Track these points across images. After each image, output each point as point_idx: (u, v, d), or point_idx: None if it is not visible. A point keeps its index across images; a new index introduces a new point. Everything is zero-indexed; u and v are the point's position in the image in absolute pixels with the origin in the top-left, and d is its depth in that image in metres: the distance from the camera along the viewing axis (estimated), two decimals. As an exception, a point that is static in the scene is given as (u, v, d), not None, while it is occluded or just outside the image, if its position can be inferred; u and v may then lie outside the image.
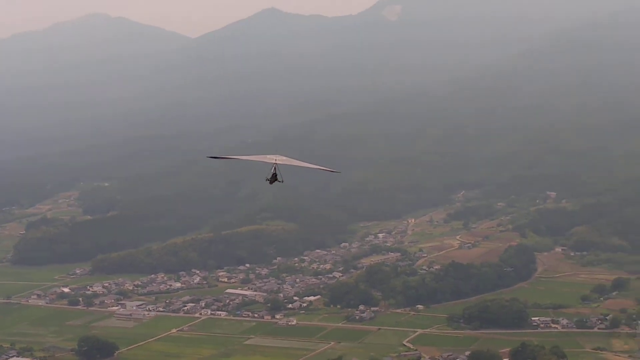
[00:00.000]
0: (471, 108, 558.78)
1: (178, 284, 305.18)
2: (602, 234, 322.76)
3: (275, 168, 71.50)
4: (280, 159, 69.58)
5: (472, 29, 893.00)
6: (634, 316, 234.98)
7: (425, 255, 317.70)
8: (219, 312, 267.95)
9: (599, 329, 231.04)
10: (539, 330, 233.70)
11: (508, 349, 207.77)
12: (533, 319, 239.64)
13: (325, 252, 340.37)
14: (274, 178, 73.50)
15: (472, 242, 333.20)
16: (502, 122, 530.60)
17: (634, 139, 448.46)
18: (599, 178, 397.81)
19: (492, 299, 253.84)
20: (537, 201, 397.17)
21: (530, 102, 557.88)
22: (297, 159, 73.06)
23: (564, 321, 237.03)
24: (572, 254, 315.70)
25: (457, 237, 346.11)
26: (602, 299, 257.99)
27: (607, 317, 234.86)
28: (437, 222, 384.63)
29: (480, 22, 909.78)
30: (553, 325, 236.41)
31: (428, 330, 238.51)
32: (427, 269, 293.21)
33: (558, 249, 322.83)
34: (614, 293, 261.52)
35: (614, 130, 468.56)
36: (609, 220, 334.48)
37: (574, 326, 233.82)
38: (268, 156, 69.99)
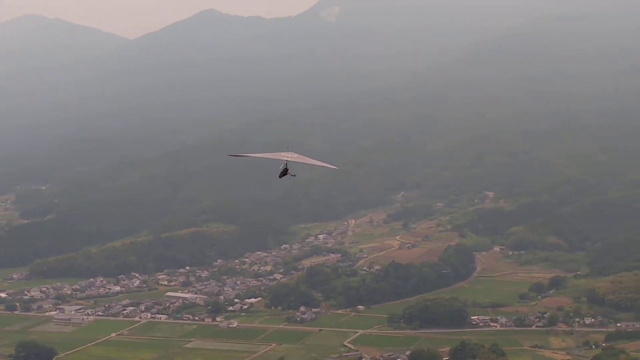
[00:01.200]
0: (410, 111, 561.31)
1: (117, 288, 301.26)
2: (539, 233, 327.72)
3: (286, 163, 77.50)
4: (291, 156, 76.19)
5: (409, 35, 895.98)
6: (571, 314, 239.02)
7: (365, 255, 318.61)
8: (159, 316, 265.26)
9: (537, 326, 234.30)
10: (479, 329, 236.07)
11: (448, 348, 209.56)
12: (472, 318, 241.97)
13: (266, 254, 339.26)
14: (284, 172, 79.23)
15: (412, 242, 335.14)
16: (440, 125, 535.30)
17: (568, 142, 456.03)
18: (535, 178, 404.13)
19: (432, 298, 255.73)
20: (476, 201, 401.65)
21: (467, 108, 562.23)
22: (307, 156, 78.75)
23: (503, 320, 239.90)
24: (510, 253, 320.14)
25: (397, 237, 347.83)
26: (539, 297, 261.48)
27: (545, 315, 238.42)
28: (377, 222, 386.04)
29: (416, 29, 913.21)
30: (492, 324, 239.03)
31: (369, 330, 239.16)
32: (367, 269, 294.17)
33: (496, 249, 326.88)
34: (551, 291, 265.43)
35: (548, 133, 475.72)
36: (545, 220, 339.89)
37: (513, 324, 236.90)
38: (282, 153, 76.89)
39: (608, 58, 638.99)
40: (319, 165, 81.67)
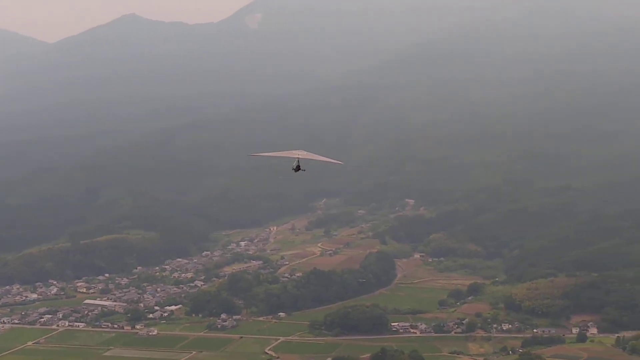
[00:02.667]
0: (330, 118, 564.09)
1: (34, 295, 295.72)
2: (459, 240, 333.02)
3: (298, 160, 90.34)
4: (302, 154, 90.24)
5: (331, 40, 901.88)
6: (489, 320, 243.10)
7: (287, 262, 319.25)
8: (78, 324, 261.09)
9: (455, 333, 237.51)
10: (399, 335, 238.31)
11: (368, 355, 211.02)
12: (393, 324, 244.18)
13: (187, 261, 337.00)
14: (297, 168, 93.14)
15: (334, 249, 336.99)
16: (361, 131, 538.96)
17: (486, 149, 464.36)
18: (454, 186, 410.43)
19: (353, 305, 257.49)
20: (397, 208, 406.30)
21: (388, 113, 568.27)
22: (316, 154, 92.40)
23: (423, 326, 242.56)
24: (430, 260, 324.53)
25: (319, 244, 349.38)
26: (458, 303, 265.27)
27: (464, 322, 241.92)
28: (298, 229, 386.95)
29: (338, 34, 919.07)
30: (412, 330, 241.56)
31: (290, 337, 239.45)
32: (289, 276, 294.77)
33: (417, 255, 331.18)
34: (469, 298, 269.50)
35: (468, 141, 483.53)
36: (464, 227, 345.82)
37: (432, 331, 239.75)
38: (294, 152, 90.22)
39: (527, 64, 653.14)
40: (324, 161, 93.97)
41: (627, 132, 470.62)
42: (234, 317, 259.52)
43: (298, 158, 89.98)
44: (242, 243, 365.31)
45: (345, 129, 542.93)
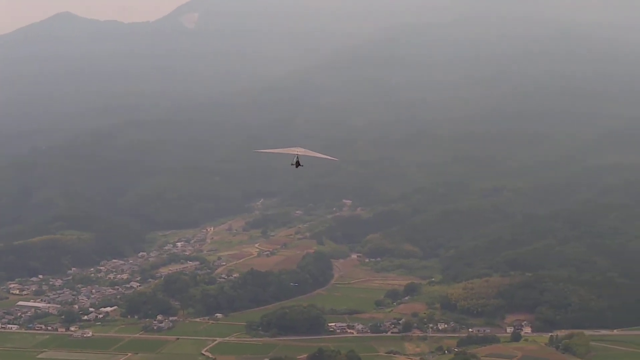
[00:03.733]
0: (268, 118, 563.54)
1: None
2: (395, 241, 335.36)
3: (297, 156, 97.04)
4: (300, 151, 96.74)
5: (267, 41, 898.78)
6: (425, 319, 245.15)
7: (224, 263, 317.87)
8: (10, 326, 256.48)
9: (392, 332, 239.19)
10: (336, 335, 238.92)
11: (305, 355, 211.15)
12: (330, 324, 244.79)
13: (123, 262, 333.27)
14: (297, 164, 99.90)
15: (271, 250, 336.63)
16: (298, 132, 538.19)
17: (423, 150, 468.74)
18: (391, 187, 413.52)
19: (290, 306, 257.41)
20: (334, 209, 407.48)
21: (325, 113, 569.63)
22: (314, 150, 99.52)
23: (359, 326, 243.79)
24: (367, 260, 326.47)
25: (256, 245, 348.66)
26: (395, 303, 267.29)
27: (400, 321, 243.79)
28: (236, 230, 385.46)
29: (275, 35, 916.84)
30: (349, 331, 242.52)
31: (227, 338, 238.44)
32: (226, 277, 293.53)
33: (354, 256, 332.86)
34: (406, 298, 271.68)
35: (404, 142, 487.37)
36: (401, 228, 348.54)
37: (369, 331, 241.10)
38: (292, 148, 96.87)
39: (461, 67, 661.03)
40: (320, 158, 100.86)
41: (558, 134, 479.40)
42: (170, 318, 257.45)
43: (297, 155, 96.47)
44: (179, 244, 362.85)
45: (282, 129, 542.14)
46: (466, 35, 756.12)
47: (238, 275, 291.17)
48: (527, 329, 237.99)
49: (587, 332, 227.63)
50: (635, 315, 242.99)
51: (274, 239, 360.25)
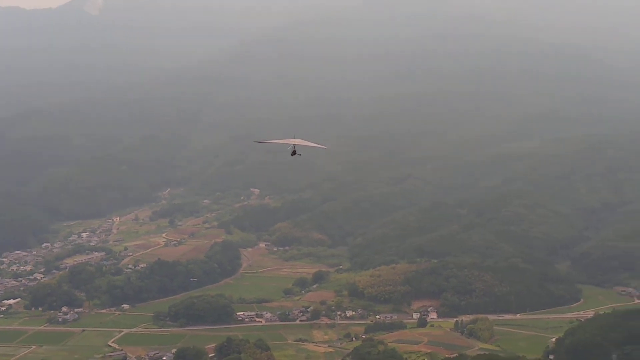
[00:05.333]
0: (174, 108, 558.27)
1: None
2: (304, 229, 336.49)
3: (294, 146, 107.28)
4: (297, 141, 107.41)
5: (174, 32, 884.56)
6: (333, 307, 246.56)
7: (131, 253, 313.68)
8: None
9: (300, 320, 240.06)
10: (244, 324, 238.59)
11: (214, 345, 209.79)
12: (238, 314, 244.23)
13: (26, 253, 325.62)
14: (294, 152, 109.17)
15: (178, 239, 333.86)
16: (205, 122, 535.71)
17: (330, 138, 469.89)
18: (300, 175, 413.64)
19: (198, 295, 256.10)
20: (242, 198, 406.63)
21: (232, 104, 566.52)
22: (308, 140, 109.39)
23: (268, 315, 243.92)
24: (275, 249, 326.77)
25: (163, 235, 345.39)
26: (303, 292, 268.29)
27: (309, 309, 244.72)
28: (142, 220, 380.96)
29: (182, 26, 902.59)
30: (257, 320, 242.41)
31: (134, 329, 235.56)
32: (132, 267, 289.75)
33: (262, 245, 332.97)
34: (314, 286, 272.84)
35: (314, 127, 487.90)
36: (309, 216, 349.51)
37: (278, 319, 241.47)
38: (292, 140, 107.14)
39: (368, 53, 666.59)
40: (311, 146, 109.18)
41: (465, 122, 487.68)
42: (76, 310, 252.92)
43: (294, 144, 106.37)
44: (84, 234, 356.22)
45: (188, 119, 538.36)
46: (374, 18, 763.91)
47: (145, 265, 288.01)
48: (433, 315, 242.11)
49: (491, 317, 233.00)
50: (537, 299, 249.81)
51: (181, 228, 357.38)
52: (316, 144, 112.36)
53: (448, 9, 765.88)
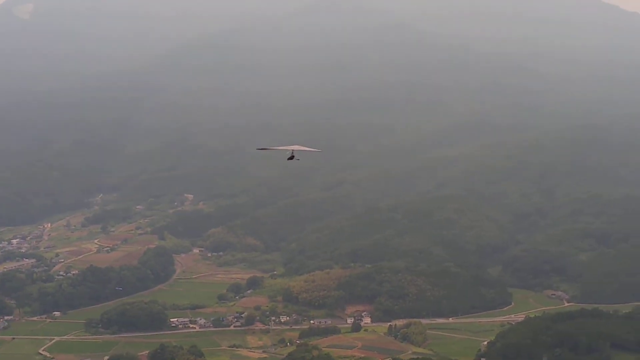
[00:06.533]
0: (106, 114, 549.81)
1: None
2: (238, 235, 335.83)
3: (292, 151, 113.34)
4: (296, 147, 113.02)
5: (105, 38, 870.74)
6: (268, 313, 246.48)
7: (62, 260, 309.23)
8: None
9: (235, 326, 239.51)
10: (178, 331, 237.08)
11: (147, 352, 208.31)
12: (172, 320, 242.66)
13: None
14: (291, 157, 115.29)
15: (111, 245, 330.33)
16: (138, 128, 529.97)
17: (264, 141, 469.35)
18: (234, 181, 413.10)
19: (132, 302, 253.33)
20: (175, 204, 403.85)
21: (166, 109, 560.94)
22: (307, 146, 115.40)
23: (202, 321, 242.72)
24: (209, 254, 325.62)
25: (96, 241, 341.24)
26: (237, 297, 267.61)
27: (243, 315, 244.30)
28: (74, 226, 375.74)
29: (111, 34, 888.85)
30: (191, 326, 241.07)
31: (65, 337, 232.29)
32: (64, 274, 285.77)
33: (196, 250, 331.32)
34: (248, 291, 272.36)
35: (245, 136, 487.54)
36: (243, 222, 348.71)
37: (211, 325, 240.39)
38: (291, 146, 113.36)
39: (301, 58, 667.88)
40: (308, 151, 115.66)
41: (399, 126, 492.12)
42: (6, 317, 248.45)
43: (292, 150, 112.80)
44: (14, 241, 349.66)
45: (121, 125, 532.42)
46: (310, 25, 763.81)
47: (77, 272, 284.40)
48: (367, 319, 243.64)
49: (424, 321, 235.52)
50: (469, 303, 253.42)
51: (114, 234, 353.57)
52: (311, 148, 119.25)
53: (377, 18, 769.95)
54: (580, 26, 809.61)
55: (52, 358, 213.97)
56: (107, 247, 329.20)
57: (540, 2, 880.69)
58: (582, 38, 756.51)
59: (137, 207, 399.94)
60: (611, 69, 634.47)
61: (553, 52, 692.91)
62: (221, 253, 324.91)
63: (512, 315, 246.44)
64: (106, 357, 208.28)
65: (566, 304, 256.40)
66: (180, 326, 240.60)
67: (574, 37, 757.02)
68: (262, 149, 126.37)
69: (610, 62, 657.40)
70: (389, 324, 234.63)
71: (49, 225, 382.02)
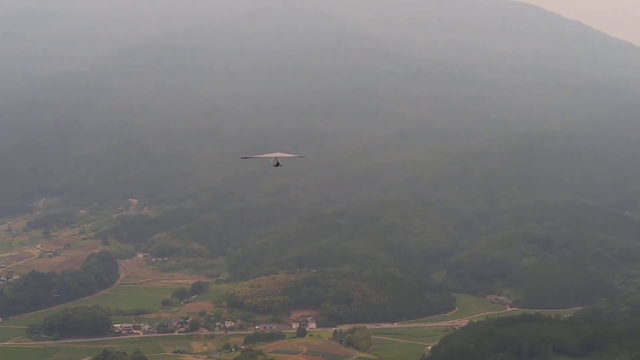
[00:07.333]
0: (50, 116, 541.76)
1: None
2: (183, 240, 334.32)
3: (276, 158, 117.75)
4: (279, 154, 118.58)
5: (47, 40, 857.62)
6: (212, 318, 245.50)
7: (3, 265, 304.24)
8: None
9: (179, 332, 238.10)
10: (122, 336, 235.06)
11: (90, 358, 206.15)
12: (115, 325, 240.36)
13: None
14: (277, 164, 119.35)
15: (54, 250, 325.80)
16: (82, 131, 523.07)
17: (210, 147, 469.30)
18: (179, 185, 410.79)
19: (75, 307, 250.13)
20: (120, 208, 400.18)
21: (111, 113, 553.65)
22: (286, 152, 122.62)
23: (146, 326, 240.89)
24: (154, 259, 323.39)
25: (38, 246, 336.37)
26: (182, 303, 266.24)
27: (187, 321, 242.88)
28: (16, 231, 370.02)
29: (56, 35, 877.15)
30: (135, 331, 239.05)
31: (6, 343, 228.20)
32: (5, 279, 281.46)
33: (140, 255, 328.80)
34: (193, 297, 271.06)
35: (193, 137, 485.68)
36: (189, 226, 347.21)
37: (156, 331, 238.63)
38: (274, 153, 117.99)
39: (250, 62, 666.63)
40: (291, 157, 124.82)
41: (345, 131, 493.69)
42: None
43: (276, 157, 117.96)
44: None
45: (66, 128, 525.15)
46: (254, 35, 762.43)
47: (18, 277, 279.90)
48: (312, 325, 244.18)
49: (369, 326, 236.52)
50: (414, 308, 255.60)
51: (57, 239, 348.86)
52: (294, 154, 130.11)
53: (324, 25, 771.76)
54: (523, 34, 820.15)
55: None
56: (50, 252, 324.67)
57: (485, 10, 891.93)
58: (525, 46, 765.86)
59: (81, 211, 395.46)
60: (554, 77, 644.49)
61: (496, 59, 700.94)
62: (166, 258, 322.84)
63: (456, 320, 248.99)
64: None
65: (509, 309, 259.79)
66: (123, 332, 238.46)
67: (517, 45, 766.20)
68: (245, 157, 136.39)
69: (553, 70, 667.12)
70: (334, 329, 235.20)
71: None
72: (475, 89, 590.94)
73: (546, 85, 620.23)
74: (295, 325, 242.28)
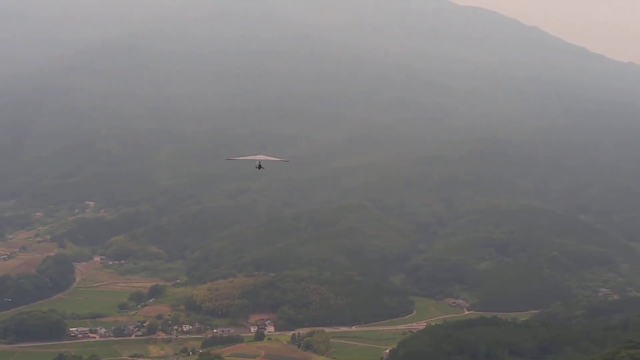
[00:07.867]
0: (5, 116, 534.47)
1: None
2: (140, 243, 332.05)
3: (259, 161, 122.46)
4: (261, 157, 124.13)
5: (8, 35, 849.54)
6: (170, 322, 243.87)
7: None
8: None
9: (136, 336, 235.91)
10: (78, 340, 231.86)
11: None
12: (71, 329, 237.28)
13: None
14: (259, 166, 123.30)
15: (8, 253, 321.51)
16: (36, 133, 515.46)
17: (167, 149, 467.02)
18: (135, 188, 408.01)
19: (29, 311, 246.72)
20: (76, 211, 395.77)
21: (66, 115, 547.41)
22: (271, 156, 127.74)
23: (102, 330, 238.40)
24: (110, 263, 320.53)
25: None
26: (139, 306, 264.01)
27: (144, 324, 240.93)
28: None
29: (10, 35, 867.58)
30: (91, 335, 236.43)
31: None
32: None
33: (97, 258, 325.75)
34: (151, 300, 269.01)
35: (150, 139, 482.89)
36: (146, 229, 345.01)
37: (112, 334, 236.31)
38: (257, 156, 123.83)
39: (208, 64, 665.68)
40: (275, 160, 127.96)
41: (302, 135, 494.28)
42: None
43: (259, 160, 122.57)
44: None
45: (19, 129, 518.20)
46: (215, 38, 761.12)
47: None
48: (271, 328, 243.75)
49: (328, 330, 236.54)
50: (372, 311, 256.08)
51: (11, 242, 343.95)
52: (278, 158, 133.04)
53: (285, 28, 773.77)
54: (481, 40, 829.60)
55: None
56: (4, 254, 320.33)
57: (444, 18, 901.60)
58: (483, 52, 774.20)
59: (37, 214, 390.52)
60: (512, 83, 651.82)
61: (454, 65, 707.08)
62: (123, 261, 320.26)
63: (414, 324, 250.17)
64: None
65: (466, 312, 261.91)
66: (79, 336, 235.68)
67: (475, 51, 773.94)
68: (230, 159, 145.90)
69: (511, 76, 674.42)
70: (292, 332, 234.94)
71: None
72: (434, 94, 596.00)
73: (504, 91, 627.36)
74: (253, 329, 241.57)
